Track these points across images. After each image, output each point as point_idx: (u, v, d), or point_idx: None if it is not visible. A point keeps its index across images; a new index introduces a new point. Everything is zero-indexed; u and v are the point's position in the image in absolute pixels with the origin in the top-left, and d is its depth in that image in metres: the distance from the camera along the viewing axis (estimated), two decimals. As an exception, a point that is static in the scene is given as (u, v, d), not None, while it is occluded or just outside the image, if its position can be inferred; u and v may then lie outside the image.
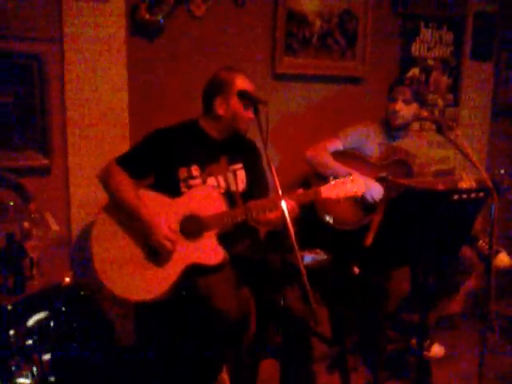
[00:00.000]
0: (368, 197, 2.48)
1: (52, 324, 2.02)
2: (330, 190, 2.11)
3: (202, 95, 2.22)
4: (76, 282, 2.20)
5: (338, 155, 2.61)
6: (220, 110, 2.16)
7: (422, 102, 2.72)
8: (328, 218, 2.47)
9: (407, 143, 2.75)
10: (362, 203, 2.51)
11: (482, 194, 2.00)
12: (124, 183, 2.06)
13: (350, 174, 2.16)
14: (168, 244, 2.01)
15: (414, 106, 2.66)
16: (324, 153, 2.59)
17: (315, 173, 2.58)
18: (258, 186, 2.28)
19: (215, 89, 2.17)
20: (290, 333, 2.10)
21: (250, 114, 2.12)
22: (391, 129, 2.71)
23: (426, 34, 3.35)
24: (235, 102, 2.13)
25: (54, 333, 2.03)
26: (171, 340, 2.20)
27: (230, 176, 2.23)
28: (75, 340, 2.06)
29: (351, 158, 2.63)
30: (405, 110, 2.64)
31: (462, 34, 3.45)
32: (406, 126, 2.73)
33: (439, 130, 2.45)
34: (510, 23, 3.63)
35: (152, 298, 2.00)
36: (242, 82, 2.14)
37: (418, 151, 2.76)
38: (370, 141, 2.68)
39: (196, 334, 2.00)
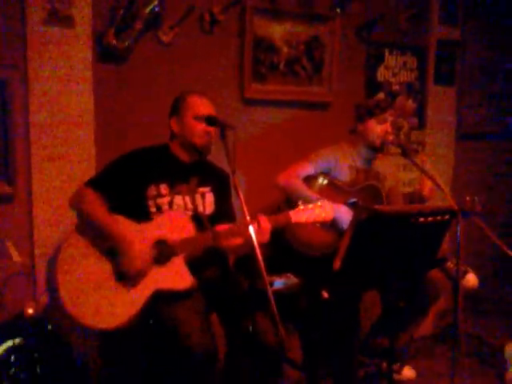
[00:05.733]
0: (339, 222, 2.48)
1: (13, 358, 1.95)
2: (299, 215, 2.12)
3: None
4: (39, 314, 2.13)
5: (310, 180, 2.61)
6: (175, 128, 2.22)
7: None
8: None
9: (379, 165, 2.78)
10: (335, 229, 2.50)
11: (447, 216, 2.03)
12: (96, 203, 2.04)
13: (319, 200, 2.17)
14: (138, 262, 1.97)
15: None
16: (295, 179, 2.57)
17: (286, 198, 2.58)
18: (225, 212, 2.28)
19: (171, 110, 2.25)
20: (261, 359, 2.07)
21: (202, 126, 2.15)
22: (374, 150, 2.69)
23: (391, 59, 3.44)
24: (188, 120, 2.18)
25: (15, 367, 1.96)
26: (137, 371, 2.13)
27: (198, 197, 2.23)
28: (37, 374, 1.98)
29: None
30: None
31: (425, 60, 3.56)
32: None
33: (404, 154, 2.49)
34: (471, 49, 3.76)
35: (118, 324, 1.95)
36: (193, 99, 2.20)
37: (388, 173, 2.79)
38: (340, 164, 2.67)
39: (162, 365, 1.94)
